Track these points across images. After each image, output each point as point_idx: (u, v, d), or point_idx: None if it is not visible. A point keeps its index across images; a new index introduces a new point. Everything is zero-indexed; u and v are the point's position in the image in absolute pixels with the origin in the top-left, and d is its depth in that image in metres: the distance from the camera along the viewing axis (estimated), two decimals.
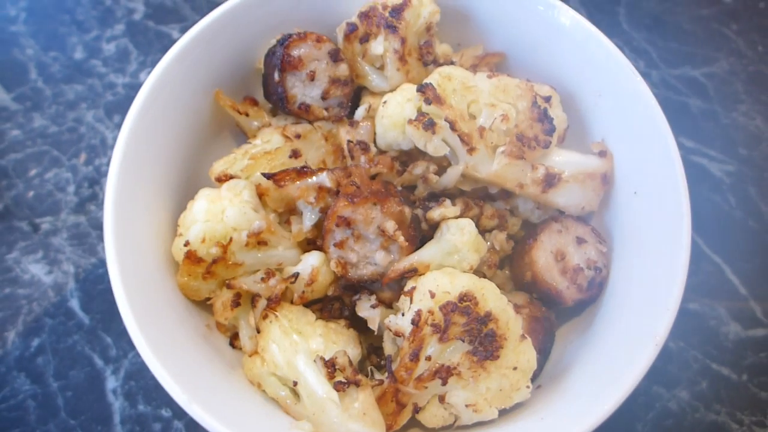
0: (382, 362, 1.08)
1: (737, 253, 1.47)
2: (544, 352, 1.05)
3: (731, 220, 1.51)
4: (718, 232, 1.49)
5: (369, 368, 1.05)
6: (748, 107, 1.67)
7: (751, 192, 1.55)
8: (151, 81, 1.05)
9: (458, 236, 0.99)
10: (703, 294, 1.42)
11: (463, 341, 0.90)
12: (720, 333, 1.38)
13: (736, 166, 1.58)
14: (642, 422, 1.29)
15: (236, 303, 1.04)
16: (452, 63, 1.20)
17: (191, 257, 1.00)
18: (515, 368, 0.91)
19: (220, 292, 1.06)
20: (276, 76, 1.12)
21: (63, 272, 1.43)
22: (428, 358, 0.91)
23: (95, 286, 1.42)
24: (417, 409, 0.95)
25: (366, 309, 1.02)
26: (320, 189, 1.03)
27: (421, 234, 1.05)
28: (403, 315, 0.96)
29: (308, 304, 1.08)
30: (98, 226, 1.49)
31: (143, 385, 1.32)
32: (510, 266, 1.17)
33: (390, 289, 1.04)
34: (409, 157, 1.12)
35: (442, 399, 0.93)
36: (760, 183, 1.56)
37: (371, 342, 1.11)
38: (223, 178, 1.10)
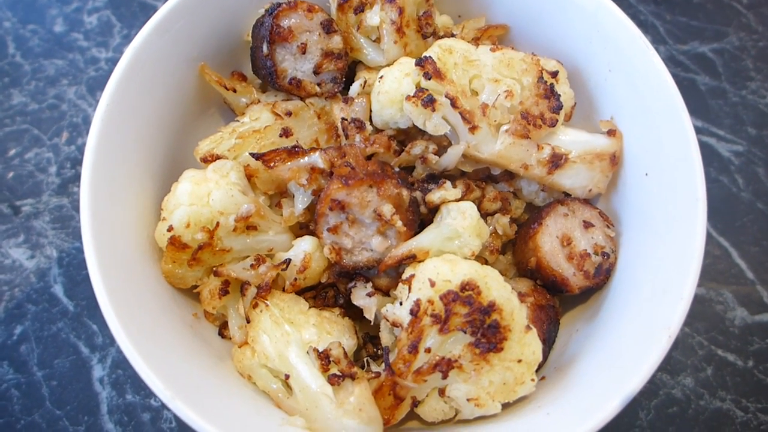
0: (379, 352, 1.03)
1: (745, 237, 1.44)
2: (549, 342, 1.00)
3: (739, 202, 1.47)
4: (725, 214, 1.46)
5: (365, 359, 1.01)
6: (758, 85, 1.62)
7: (759, 173, 1.51)
8: (129, 54, 0.99)
9: (459, 220, 0.94)
10: (709, 278, 1.39)
11: (465, 332, 0.86)
12: (726, 318, 1.35)
13: (745, 146, 1.54)
14: (645, 410, 1.27)
15: (224, 291, 1.00)
16: (453, 35, 1.15)
17: (175, 243, 0.95)
18: (520, 361, 0.87)
19: (207, 279, 1.02)
20: (265, 48, 1.05)
21: (46, 257, 1.39)
22: (428, 350, 0.87)
23: (79, 271, 1.37)
24: (416, 403, 0.91)
25: (362, 297, 0.97)
26: (313, 170, 0.98)
27: (419, 218, 1.00)
28: (401, 304, 0.91)
29: (301, 292, 1.03)
30: None
31: (131, 373, 1.28)
32: (513, 251, 1.12)
33: (387, 275, 1.00)
34: (407, 135, 1.07)
35: (442, 392, 0.89)
36: None
37: (367, 330, 1.06)
38: (209, 159, 1.04)
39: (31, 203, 1.44)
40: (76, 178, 1.46)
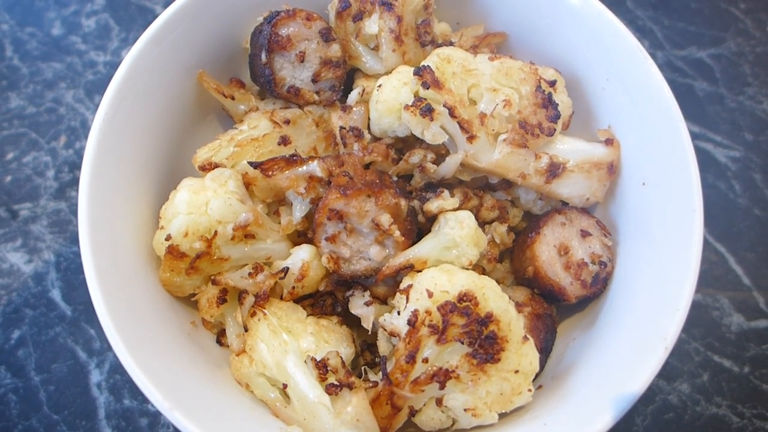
0: (377, 360, 1.03)
1: (741, 243, 1.44)
2: (546, 351, 1.01)
3: (736, 208, 1.48)
4: (722, 220, 1.46)
5: (363, 367, 1.01)
6: (755, 90, 1.62)
7: (756, 179, 1.51)
8: (128, 61, 0.98)
9: (457, 230, 0.94)
10: (705, 284, 1.40)
11: (462, 343, 0.86)
12: (722, 324, 1.36)
13: (742, 152, 1.54)
14: (642, 416, 1.27)
15: (222, 299, 1.00)
16: (451, 44, 1.15)
17: (173, 252, 0.95)
18: (517, 371, 0.87)
19: (205, 287, 1.02)
20: (263, 56, 1.05)
21: (43, 261, 1.38)
22: (425, 361, 0.87)
23: (77, 276, 1.37)
24: (413, 412, 0.91)
25: (359, 306, 0.97)
26: (311, 179, 0.98)
27: (417, 227, 1.00)
28: (398, 314, 0.91)
29: (298, 300, 1.03)
30: None
31: (129, 378, 1.25)
32: (510, 260, 1.12)
33: (385, 284, 1.00)
34: (405, 144, 1.07)
35: (439, 402, 0.89)
36: (766, 170, 1.52)
37: (365, 338, 1.06)
38: (207, 167, 1.04)
39: (28, 207, 1.43)
40: (74, 182, 1.46)
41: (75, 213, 1.45)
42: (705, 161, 1.52)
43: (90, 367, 1.28)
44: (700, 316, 1.36)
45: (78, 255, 1.40)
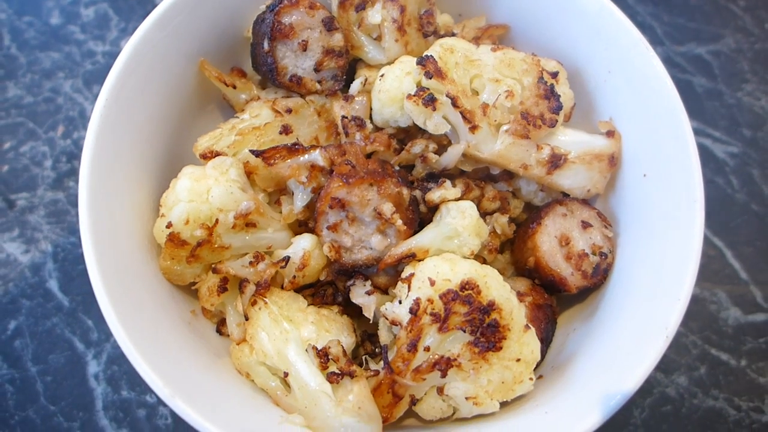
0: (377, 350, 1.03)
1: (739, 237, 1.45)
2: (546, 341, 1.01)
3: (733, 203, 1.48)
4: (720, 215, 1.47)
5: (363, 356, 1.01)
6: (753, 87, 1.63)
7: (754, 174, 1.52)
8: (129, 49, 0.98)
9: (459, 220, 0.94)
10: (703, 278, 1.40)
11: (464, 331, 0.86)
12: (720, 318, 1.37)
13: (740, 148, 1.55)
14: (639, 408, 1.28)
15: (223, 288, 0.99)
16: (453, 34, 1.15)
17: (174, 240, 0.94)
18: (518, 360, 0.87)
19: (205, 276, 1.01)
20: (265, 45, 1.05)
21: (41, 251, 1.37)
22: (427, 349, 0.87)
23: (75, 266, 1.36)
24: (414, 401, 0.91)
25: (361, 295, 0.97)
26: (313, 168, 0.98)
27: (419, 217, 1.00)
28: (400, 303, 0.91)
29: (299, 290, 1.03)
30: (78, 203, 1.42)
31: (126, 369, 1.27)
32: (511, 251, 1.12)
33: (386, 274, 1.00)
34: (407, 134, 1.07)
35: (440, 391, 0.89)
36: (763, 165, 1.52)
37: (365, 328, 1.06)
38: (208, 155, 1.03)
39: (26, 197, 1.42)
40: (72, 173, 1.45)
41: (72, 203, 1.44)
42: (703, 157, 1.50)
43: (87, 358, 1.28)
44: (697, 309, 1.37)
45: (76, 245, 1.40)
